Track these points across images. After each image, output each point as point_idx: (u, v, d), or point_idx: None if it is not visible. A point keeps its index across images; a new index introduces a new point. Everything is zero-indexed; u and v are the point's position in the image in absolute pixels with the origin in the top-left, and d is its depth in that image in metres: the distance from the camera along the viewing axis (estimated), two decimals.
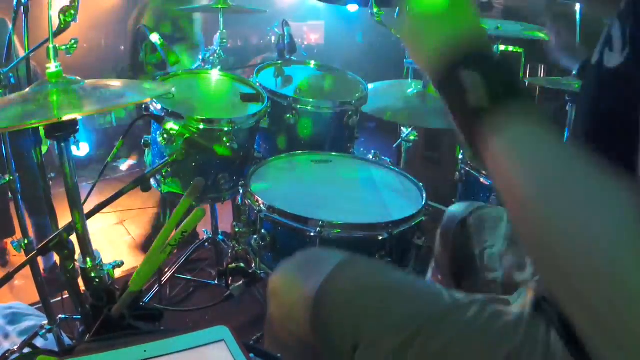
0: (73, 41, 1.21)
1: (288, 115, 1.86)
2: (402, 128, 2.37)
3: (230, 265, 1.57)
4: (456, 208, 1.36)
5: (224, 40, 2.15)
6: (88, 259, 1.08)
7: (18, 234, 1.57)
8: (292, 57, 2.20)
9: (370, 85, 2.11)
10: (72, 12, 1.11)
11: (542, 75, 3.07)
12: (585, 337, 0.44)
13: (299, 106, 1.87)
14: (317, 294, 0.91)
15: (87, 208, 1.16)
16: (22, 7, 1.25)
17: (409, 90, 2.14)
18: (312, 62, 2.28)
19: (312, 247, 1.32)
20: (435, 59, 0.57)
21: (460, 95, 0.54)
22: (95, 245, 1.11)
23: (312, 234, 1.31)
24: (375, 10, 1.91)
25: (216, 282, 2.32)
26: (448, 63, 0.55)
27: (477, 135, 0.54)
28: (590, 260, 0.42)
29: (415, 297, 0.91)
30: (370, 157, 1.84)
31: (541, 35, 2.17)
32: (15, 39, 1.54)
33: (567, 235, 0.45)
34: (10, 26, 1.35)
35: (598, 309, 0.42)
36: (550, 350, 0.75)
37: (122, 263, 1.21)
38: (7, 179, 1.50)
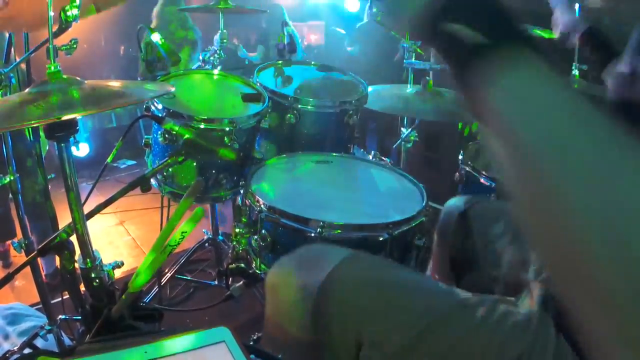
0: (73, 41, 1.21)
1: (289, 115, 1.86)
2: (402, 128, 2.36)
3: (230, 266, 1.57)
4: (454, 202, 1.33)
5: (224, 41, 2.15)
6: (88, 260, 1.08)
7: (19, 237, 1.56)
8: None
9: (369, 88, 2.10)
10: (74, 11, 1.11)
11: None
12: (590, 334, 0.37)
13: (299, 106, 1.86)
14: (323, 285, 0.89)
15: (87, 208, 1.16)
16: None
17: (408, 90, 2.16)
18: (312, 62, 2.28)
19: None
20: (418, 19, 0.50)
21: (450, 49, 0.48)
22: (95, 245, 1.11)
23: (313, 235, 1.30)
24: (375, 9, 1.90)
25: (216, 282, 2.31)
26: (429, 19, 0.49)
27: (473, 90, 0.45)
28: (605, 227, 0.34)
29: (422, 295, 0.89)
30: (370, 157, 1.84)
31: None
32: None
33: (578, 196, 0.37)
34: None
35: (611, 292, 0.34)
36: (561, 350, 0.74)
37: (122, 263, 1.21)
38: (8, 179, 1.50)
